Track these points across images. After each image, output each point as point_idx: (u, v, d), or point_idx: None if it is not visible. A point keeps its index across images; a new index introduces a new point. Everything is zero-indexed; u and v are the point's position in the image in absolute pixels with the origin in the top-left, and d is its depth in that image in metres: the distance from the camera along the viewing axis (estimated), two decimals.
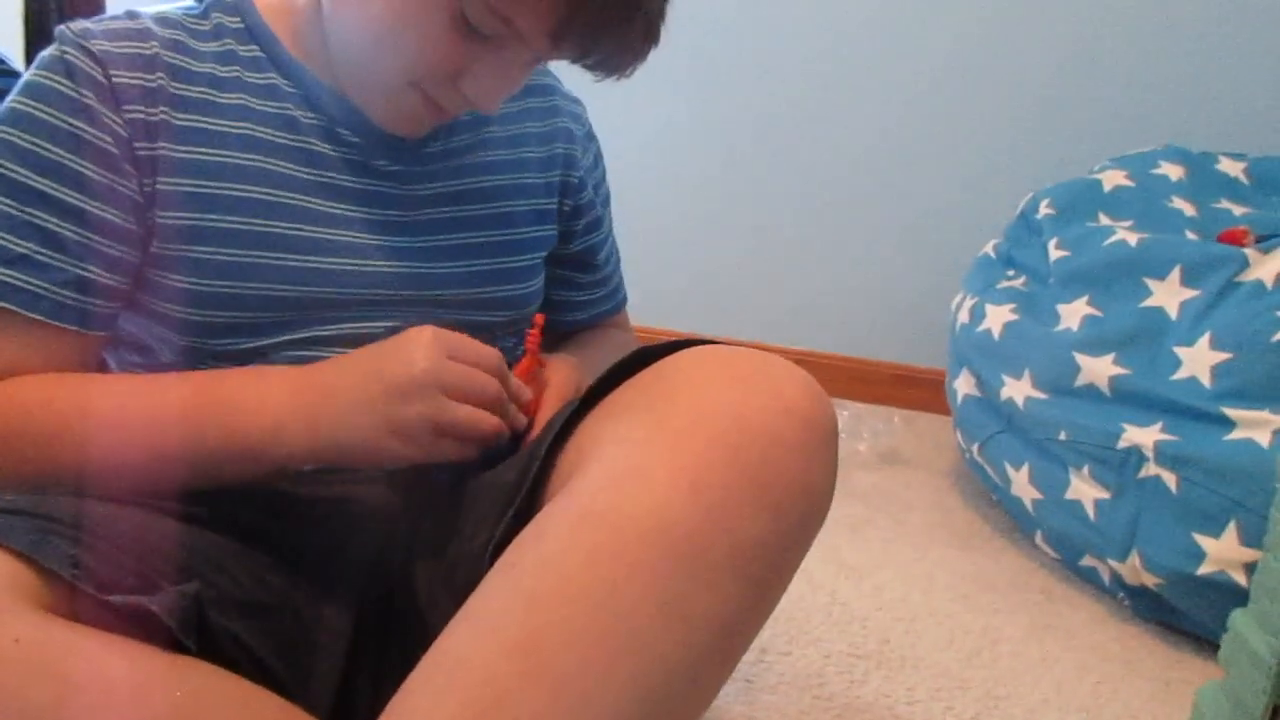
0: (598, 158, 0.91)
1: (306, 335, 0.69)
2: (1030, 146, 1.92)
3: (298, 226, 0.69)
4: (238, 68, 0.71)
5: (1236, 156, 1.68)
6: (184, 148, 0.67)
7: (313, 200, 0.70)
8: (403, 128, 0.73)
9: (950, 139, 1.96)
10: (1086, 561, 1.32)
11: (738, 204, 2.04)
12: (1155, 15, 1.84)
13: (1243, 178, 1.65)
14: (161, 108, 0.66)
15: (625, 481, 0.50)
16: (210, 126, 0.68)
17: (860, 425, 1.77)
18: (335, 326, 0.70)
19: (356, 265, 0.70)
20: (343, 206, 0.70)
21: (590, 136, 0.90)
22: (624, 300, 0.98)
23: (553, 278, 0.87)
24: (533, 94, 0.84)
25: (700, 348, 0.58)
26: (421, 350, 0.60)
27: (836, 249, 2.03)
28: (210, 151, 0.67)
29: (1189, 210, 1.51)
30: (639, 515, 0.48)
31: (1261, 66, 1.83)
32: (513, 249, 0.79)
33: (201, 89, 0.68)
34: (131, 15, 0.69)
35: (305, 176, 0.70)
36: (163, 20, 0.70)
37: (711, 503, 0.48)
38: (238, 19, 0.72)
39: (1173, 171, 1.60)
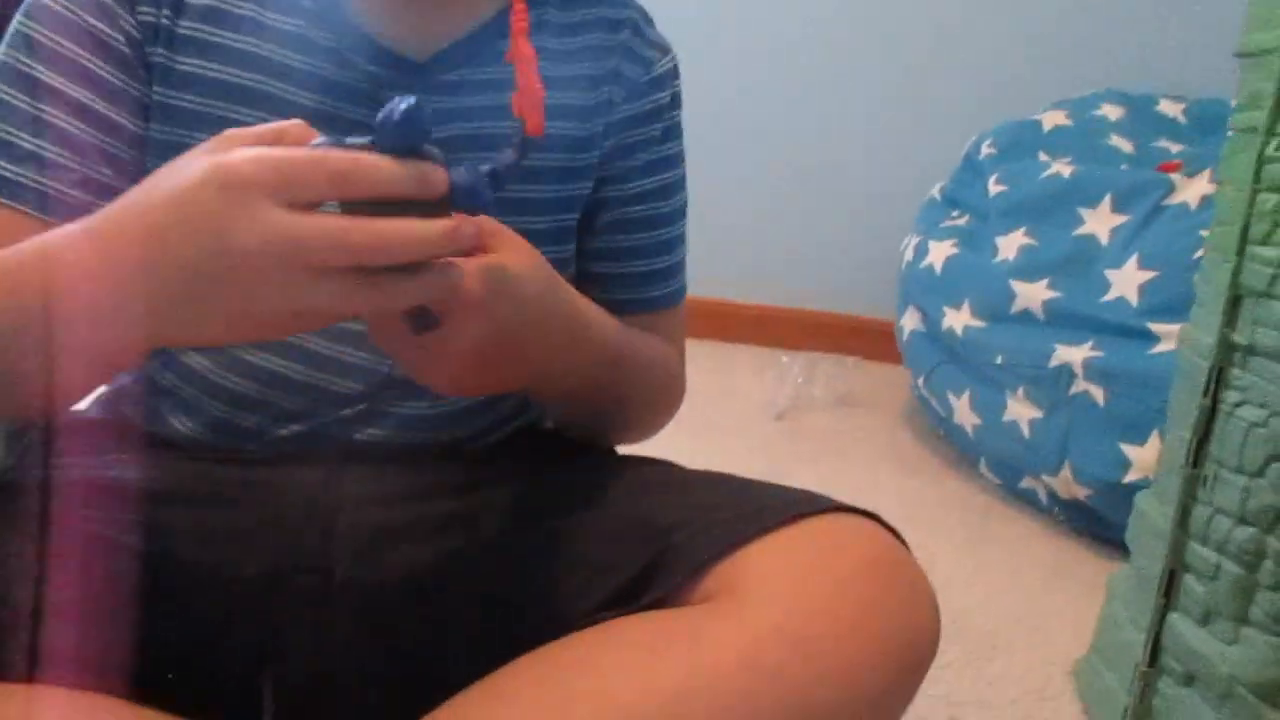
0: (669, 130, 0.74)
1: None
2: (978, 94, 1.95)
3: None
4: None
5: (1176, 98, 1.72)
6: (188, 60, 0.62)
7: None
8: (405, 24, 0.64)
9: (898, 92, 1.99)
10: (1025, 483, 1.36)
11: (693, 167, 2.07)
12: None
13: (1181, 118, 1.69)
14: (165, 11, 0.62)
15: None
16: (217, 39, 0.62)
17: (815, 370, 1.81)
18: None
19: None
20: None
21: (657, 86, 0.73)
22: (669, 297, 0.76)
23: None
24: (593, 28, 0.70)
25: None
26: (200, 165, 0.43)
27: (792, 206, 2.07)
28: (214, 67, 0.62)
29: (1126, 147, 1.55)
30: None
31: (1206, 10, 1.86)
32: (530, 208, 0.67)
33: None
34: None
35: (309, 104, 0.63)
36: None
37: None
38: None
39: (1112, 112, 1.63)
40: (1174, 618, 0.82)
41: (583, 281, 0.71)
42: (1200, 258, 1.23)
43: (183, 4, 0.62)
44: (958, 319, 1.43)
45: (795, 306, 2.11)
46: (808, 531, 0.58)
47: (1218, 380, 0.79)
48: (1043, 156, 1.54)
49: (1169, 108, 1.70)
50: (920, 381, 1.54)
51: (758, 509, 0.58)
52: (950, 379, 1.45)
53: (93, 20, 0.60)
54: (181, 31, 0.62)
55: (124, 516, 0.56)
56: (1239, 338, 0.77)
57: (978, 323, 1.40)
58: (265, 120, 0.48)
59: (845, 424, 1.70)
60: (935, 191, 1.68)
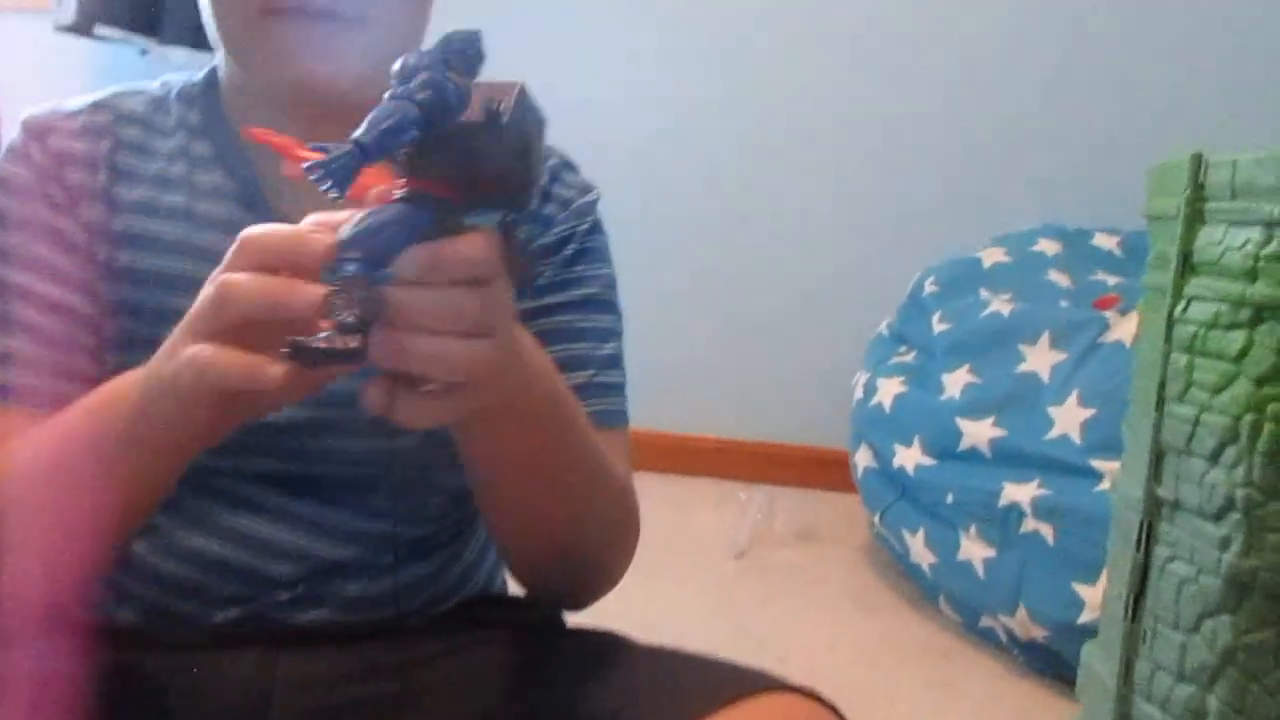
0: (581, 252, 0.72)
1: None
2: (923, 233, 2.02)
3: None
4: (186, 166, 0.67)
5: (1111, 231, 1.78)
6: (122, 252, 0.64)
7: None
8: (304, 98, 0.63)
9: (849, 228, 2.06)
10: (985, 622, 1.35)
11: (649, 300, 2.11)
12: (1034, 110, 1.97)
13: (1116, 250, 1.74)
14: (100, 208, 0.64)
15: None
16: (147, 232, 0.65)
17: (775, 505, 1.80)
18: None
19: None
20: None
21: (575, 215, 0.72)
22: (604, 415, 0.69)
23: None
24: None
25: None
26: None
27: (748, 340, 2.10)
28: (144, 257, 0.64)
29: (1064, 282, 1.59)
30: None
31: (1140, 145, 1.95)
32: None
33: (144, 191, 0.66)
34: (97, 107, 0.68)
35: None
36: (127, 117, 0.68)
37: None
38: (198, 113, 0.69)
39: (1049, 247, 1.69)
40: None
41: None
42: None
43: (122, 201, 0.65)
44: (909, 457, 1.44)
45: (753, 439, 2.12)
46: (746, 714, 0.57)
47: (1148, 535, 0.80)
48: (984, 293, 1.58)
49: (1104, 241, 1.76)
50: (877, 519, 1.54)
51: (698, 690, 0.57)
52: (905, 517, 1.45)
53: (42, 213, 0.63)
54: (117, 228, 0.64)
55: (59, 712, 0.55)
56: (1164, 493, 0.78)
57: (928, 460, 1.41)
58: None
59: (806, 561, 1.69)
60: (883, 327, 1.72)
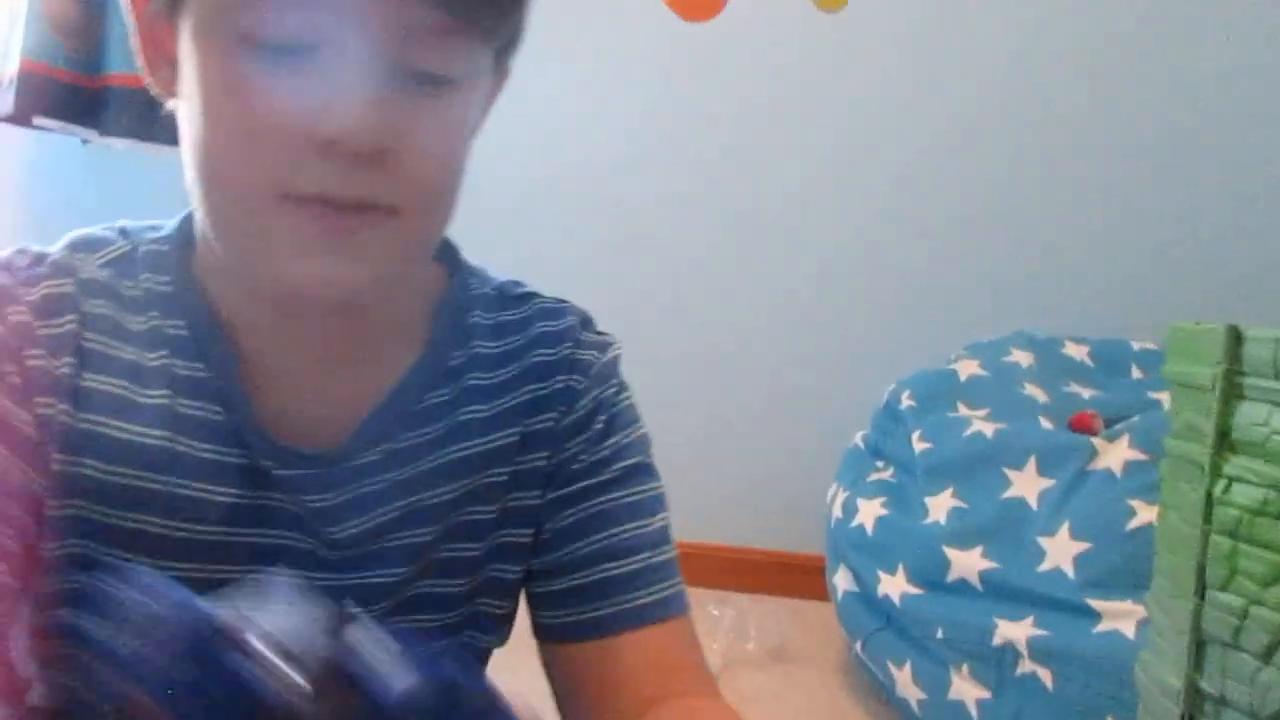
0: (614, 419, 0.63)
1: None
2: (894, 335, 1.99)
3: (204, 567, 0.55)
4: (165, 353, 0.55)
5: (1079, 340, 1.77)
6: (86, 460, 0.52)
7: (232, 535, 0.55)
8: (313, 298, 0.51)
9: (818, 331, 2.03)
10: None
11: None
12: (998, 214, 1.98)
13: (1087, 360, 1.74)
14: (64, 402, 0.52)
15: None
16: (119, 437, 0.53)
17: (747, 622, 1.73)
18: None
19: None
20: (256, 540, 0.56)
21: (599, 381, 0.63)
22: (662, 605, 0.61)
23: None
24: (530, 350, 0.62)
25: None
26: None
27: (712, 439, 2.04)
28: (114, 468, 0.53)
29: (1041, 396, 1.57)
30: None
31: (1101, 256, 1.96)
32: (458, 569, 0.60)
33: (117, 385, 0.54)
34: (57, 269, 0.55)
35: (224, 500, 0.54)
36: (92, 286, 0.55)
37: None
38: (169, 283, 0.56)
39: (1023, 358, 1.67)
40: None
41: (559, 604, 0.61)
42: (1132, 529, 1.21)
43: (93, 393, 0.53)
44: (894, 585, 1.38)
45: (724, 543, 2.05)
46: None
47: None
48: (962, 409, 1.55)
49: (1074, 350, 1.75)
50: (859, 646, 1.47)
51: None
52: (890, 647, 1.39)
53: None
54: (82, 426, 0.53)
55: None
56: (1208, 687, 0.73)
57: (914, 590, 1.36)
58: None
59: (781, 683, 1.61)
60: (858, 439, 1.67)
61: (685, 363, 2.04)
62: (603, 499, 0.62)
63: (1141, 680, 0.82)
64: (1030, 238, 1.97)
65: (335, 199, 0.48)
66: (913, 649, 1.35)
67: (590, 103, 2.06)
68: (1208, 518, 0.74)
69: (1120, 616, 1.16)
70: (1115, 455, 1.30)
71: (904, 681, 1.36)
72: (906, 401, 1.60)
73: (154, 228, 0.59)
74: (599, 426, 0.63)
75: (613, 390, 0.64)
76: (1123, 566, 1.19)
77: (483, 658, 0.64)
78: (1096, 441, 1.33)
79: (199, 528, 0.53)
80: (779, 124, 2.02)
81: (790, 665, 1.69)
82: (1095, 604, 1.18)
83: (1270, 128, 1.89)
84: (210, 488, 0.53)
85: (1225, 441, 0.73)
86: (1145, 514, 1.20)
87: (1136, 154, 1.93)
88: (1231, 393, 0.73)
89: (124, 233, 0.59)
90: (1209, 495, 0.74)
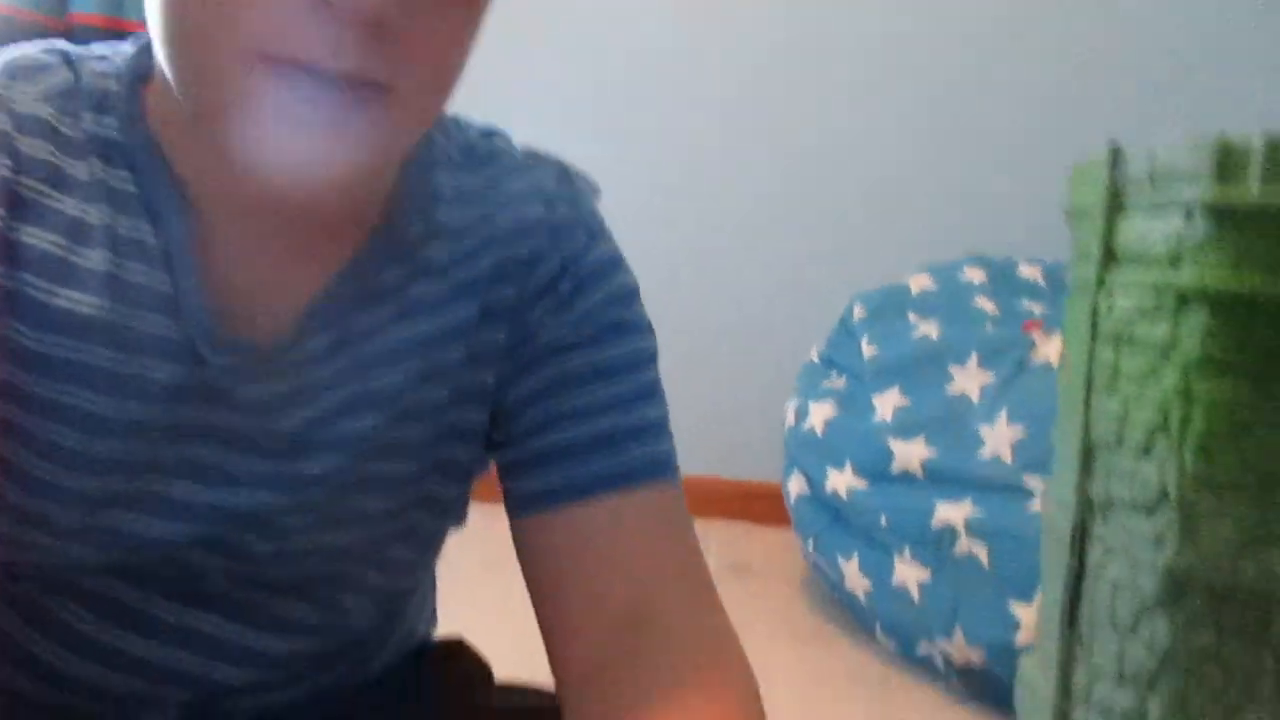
0: (581, 281, 0.57)
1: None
2: (850, 260, 2.02)
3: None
4: (109, 210, 0.48)
5: (1035, 261, 1.80)
6: (19, 327, 0.46)
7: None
8: (281, 186, 0.42)
9: (773, 258, 2.05)
10: (921, 649, 1.32)
11: None
12: (957, 138, 2.00)
13: (1040, 279, 1.76)
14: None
15: None
16: (56, 302, 0.46)
17: (708, 539, 1.76)
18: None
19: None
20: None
21: (566, 239, 0.57)
22: (652, 467, 0.57)
23: None
24: (477, 227, 0.55)
25: None
26: None
27: (675, 373, 2.07)
28: (47, 336, 0.46)
29: (991, 309, 1.60)
30: None
31: (1062, 178, 1.99)
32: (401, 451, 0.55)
33: (55, 241, 0.46)
34: None
35: (165, 379, 0.49)
36: (30, 123, 0.47)
37: None
38: (116, 125, 0.48)
39: (975, 275, 1.70)
40: None
41: (523, 474, 0.56)
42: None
43: (27, 250, 0.47)
44: (841, 480, 1.41)
45: (685, 473, 2.08)
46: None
47: (1082, 538, 0.78)
48: (912, 318, 1.57)
49: (1028, 271, 1.78)
50: (809, 545, 1.50)
51: None
52: (838, 542, 1.42)
53: None
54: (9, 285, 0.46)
55: None
56: (1096, 491, 0.76)
57: (860, 483, 1.39)
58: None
59: (740, 595, 1.64)
60: (813, 354, 1.70)
61: (651, 295, 2.07)
62: (568, 362, 0.56)
63: (1045, 511, 0.85)
64: (989, 158, 2.00)
65: (323, 70, 0.39)
66: (859, 540, 1.38)
67: None
68: (1094, 333, 0.77)
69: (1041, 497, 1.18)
70: (1054, 347, 1.33)
71: (851, 574, 1.39)
72: (859, 313, 1.63)
73: (102, 58, 0.50)
74: (565, 289, 0.56)
75: (581, 244, 0.57)
76: None
77: (434, 542, 0.61)
78: (1036, 335, 1.36)
79: (138, 406, 0.48)
80: (726, 38, 2.04)
81: (748, 578, 1.72)
82: (1030, 483, 1.21)
83: (1219, 46, 1.92)
84: (151, 364, 0.48)
85: (1111, 257, 0.76)
86: None
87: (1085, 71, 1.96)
88: (1116, 209, 0.76)
89: (67, 59, 0.49)
90: (1094, 310, 0.77)
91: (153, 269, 0.48)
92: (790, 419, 1.59)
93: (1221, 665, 0.69)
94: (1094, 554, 0.77)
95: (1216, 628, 0.69)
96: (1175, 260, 0.72)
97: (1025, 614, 1.15)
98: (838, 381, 1.58)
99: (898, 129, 2.01)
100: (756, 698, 0.53)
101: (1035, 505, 1.19)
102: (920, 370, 1.42)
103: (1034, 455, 1.23)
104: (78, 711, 0.55)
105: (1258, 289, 0.68)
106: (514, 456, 0.56)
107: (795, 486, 1.54)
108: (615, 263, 0.60)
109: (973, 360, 1.38)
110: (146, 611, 0.53)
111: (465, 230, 0.55)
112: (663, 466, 0.57)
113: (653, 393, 0.58)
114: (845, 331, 1.65)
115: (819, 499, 1.47)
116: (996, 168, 2.00)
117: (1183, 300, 0.71)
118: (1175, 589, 0.70)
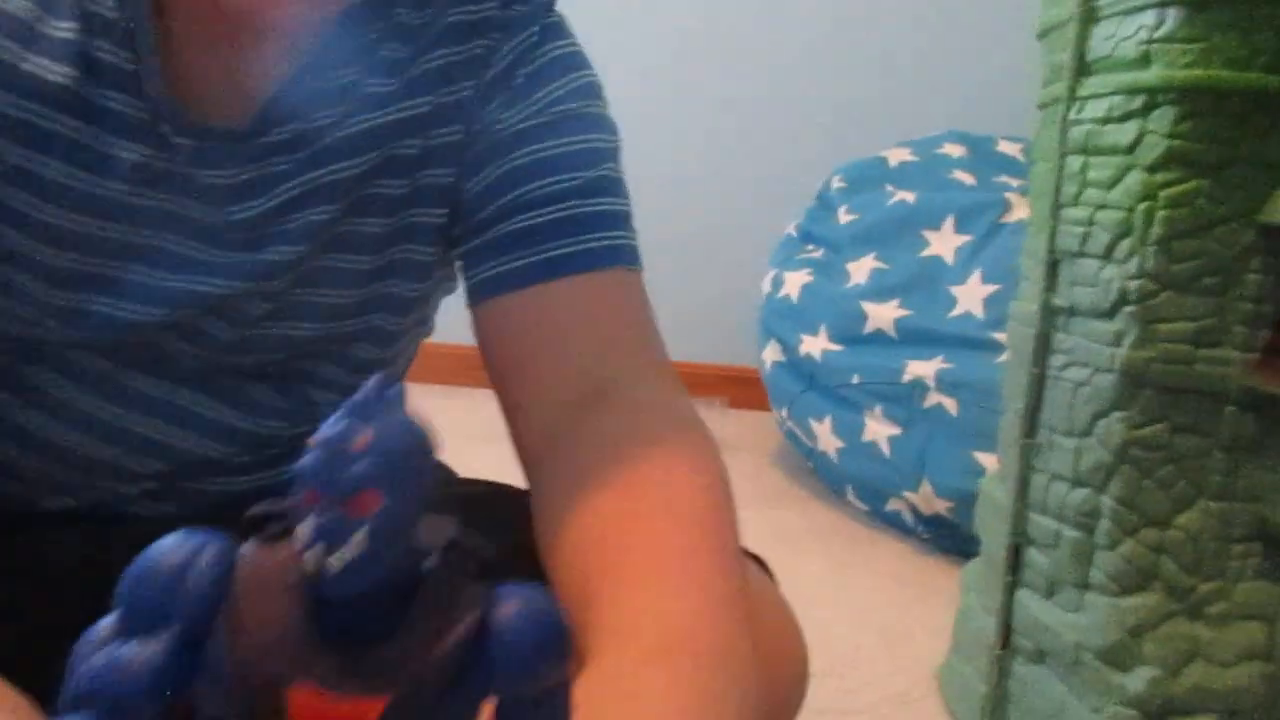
0: (536, 73, 0.57)
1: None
2: (830, 145, 2.00)
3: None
4: (81, 60, 0.49)
5: (1014, 139, 1.79)
6: None
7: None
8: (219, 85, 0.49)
9: (755, 139, 2.03)
10: (890, 506, 1.34)
11: None
12: (943, 15, 1.97)
13: (1019, 156, 1.75)
14: None
15: None
16: (25, 65, 0.48)
17: None
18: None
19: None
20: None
21: (520, 31, 0.57)
22: (613, 252, 0.56)
23: None
24: (432, 24, 0.55)
25: None
26: None
27: (653, 260, 2.07)
28: (15, 102, 0.48)
29: (969, 180, 1.59)
30: None
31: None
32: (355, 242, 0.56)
33: (28, 7, 0.48)
34: None
35: (127, 157, 0.50)
36: None
37: None
38: None
39: (954, 150, 1.69)
40: (1022, 594, 0.79)
41: (485, 260, 0.56)
42: None
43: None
44: (815, 344, 1.42)
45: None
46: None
47: (1044, 347, 0.79)
48: (889, 188, 1.57)
49: (1007, 147, 1.76)
50: (784, 414, 1.52)
51: None
52: (811, 406, 1.44)
53: None
54: None
55: None
56: (1059, 300, 0.77)
57: (834, 346, 1.40)
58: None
59: None
60: (791, 229, 1.70)
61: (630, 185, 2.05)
62: (529, 153, 0.55)
63: (1010, 328, 0.86)
64: (970, 36, 1.97)
65: None
66: (832, 402, 1.40)
67: None
68: (1063, 145, 0.77)
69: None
70: (1028, 207, 1.33)
71: (824, 436, 1.41)
72: (837, 185, 1.62)
73: None
74: (519, 81, 0.56)
75: (535, 38, 0.57)
76: None
77: (396, 343, 0.62)
78: (1011, 196, 1.36)
79: (99, 180, 0.49)
80: None
81: (724, 452, 1.73)
82: (1000, 337, 1.22)
83: None
84: (114, 140, 0.49)
85: (1082, 66, 0.75)
86: None
87: None
88: (1089, 18, 0.75)
89: None
90: (1064, 120, 0.76)
91: (118, 47, 0.49)
92: (766, 288, 1.59)
93: (1173, 459, 0.71)
94: (1054, 361, 0.78)
95: (1169, 423, 0.71)
96: (1144, 60, 0.71)
97: (990, 462, 1.17)
98: (815, 252, 1.58)
99: (882, 9, 1.98)
100: (722, 468, 0.54)
101: (1003, 357, 1.20)
102: (896, 234, 1.42)
103: (1005, 311, 1.23)
104: (61, 482, 0.57)
105: (1224, 81, 0.68)
106: (476, 243, 0.57)
107: (770, 355, 1.55)
108: (575, 57, 0.60)
109: (948, 223, 1.38)
110: (121, 382, 0.55)
111: (421, 28, 0.55)
112: (624, 253, 0.57)
113: (615, 185, 0.58)
114: (823, 204, 1.64)
115: (793, 364, 1.48)
116: (982, 47, 1.98)
117: (1151, 99, 0.71)
118: (1131, 385, 0.72)
